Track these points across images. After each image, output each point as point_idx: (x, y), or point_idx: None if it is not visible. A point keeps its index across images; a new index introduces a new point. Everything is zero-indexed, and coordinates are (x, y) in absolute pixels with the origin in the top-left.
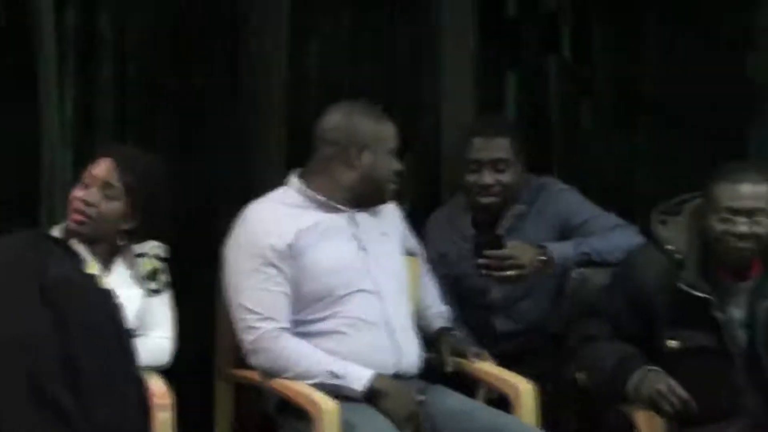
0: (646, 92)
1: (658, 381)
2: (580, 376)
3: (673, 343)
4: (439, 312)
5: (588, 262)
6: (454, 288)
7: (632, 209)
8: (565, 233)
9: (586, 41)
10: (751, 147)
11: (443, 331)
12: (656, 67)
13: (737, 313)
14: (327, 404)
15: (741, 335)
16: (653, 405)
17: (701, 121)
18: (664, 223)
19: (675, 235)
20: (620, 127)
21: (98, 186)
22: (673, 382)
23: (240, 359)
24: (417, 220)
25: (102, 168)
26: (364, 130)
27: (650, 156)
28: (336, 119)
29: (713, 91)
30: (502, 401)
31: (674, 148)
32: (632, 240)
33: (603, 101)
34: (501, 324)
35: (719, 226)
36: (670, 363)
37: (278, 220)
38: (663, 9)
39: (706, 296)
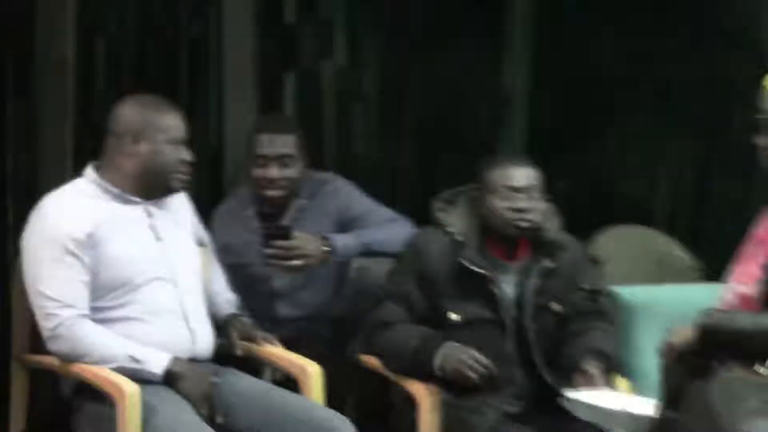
0: (411, 97)
1: (460, 353)
2: (364, 358)
3: (454, 316)
4: (228, 299)
5: (368, 252)
6: (239, 276)
7: (397, 205)
8: (344, 225)
9: (359, 48)
10: (499, 149)
11: (232, 316)
12: (420, 74)
13: (508, 289)
14: (129, 387)
15: (512, 310)
16: (459, 376)
17: (460, 124)
18: (444, 210)
19: (455, 219)
20: (387, 130)
21: None
22: (474, 352)
23: (36, 345)
24: (201, 211)
25: None
26: (139, 119)
27: (414, 155)
28: (117, 111)
29: (470, 99)
30: (287, 382)
31: (435, 146)
32: (407, 231)
33: (372, 105)
34: (283, 310)
35: (500, 204)
36: (452, 335)
37: (76, 210)
38: (428, 21)
39: (484, 272)
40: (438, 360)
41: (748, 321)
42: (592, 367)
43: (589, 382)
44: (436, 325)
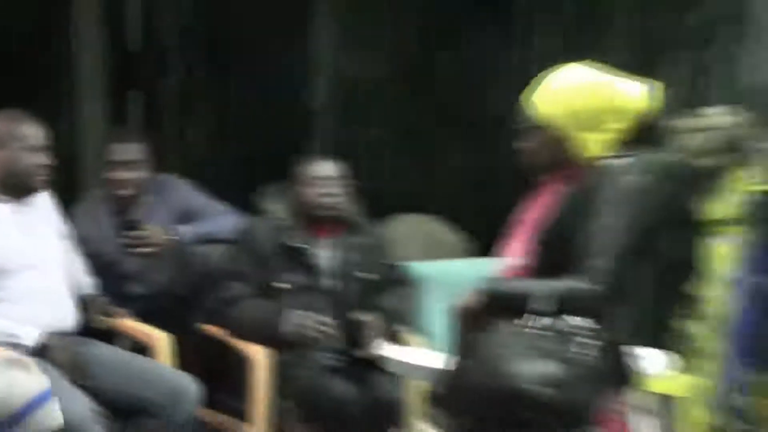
0: (234, 112)
1: (303, 318)
2: (205, 328)
3: (282, 285)
4: (87, 282)
5: (206, 239)
6: (96, 262)
7: (227, 200)
8: (185, 218)
9: (190, 71)
10: (308, 151)
11: (91, 296)
12: (240, 92)
13: (325, 261)
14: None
15: (328, 278)
16: (303, 338)
17: (276, 131)
18: (268, 201)
19: (277, 208)
20: (216, 138)
21: None
22: (316, 316)
23: None
24: (61, 208)
25: None
26: (1, 131)
27: (240, 158)
28: None
29: (283, 110)
30: (141, 350)
31: (257, 150)
32: (237, 222)
33: (202, 118)
34: (135, 289)
35: (310, 191)
36: (284, 302)
37: None
38: (244, 46)
39: (305, 248)
40: (284, 326)
41: (519, 285)
42: (373, 320)
43: (371, 333)
44: (270, 296)
